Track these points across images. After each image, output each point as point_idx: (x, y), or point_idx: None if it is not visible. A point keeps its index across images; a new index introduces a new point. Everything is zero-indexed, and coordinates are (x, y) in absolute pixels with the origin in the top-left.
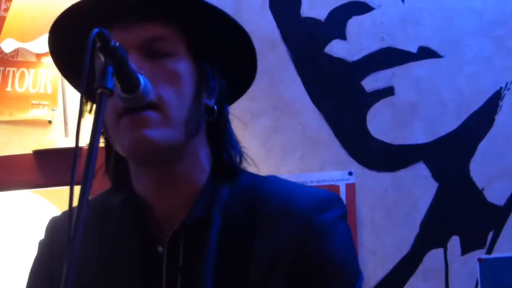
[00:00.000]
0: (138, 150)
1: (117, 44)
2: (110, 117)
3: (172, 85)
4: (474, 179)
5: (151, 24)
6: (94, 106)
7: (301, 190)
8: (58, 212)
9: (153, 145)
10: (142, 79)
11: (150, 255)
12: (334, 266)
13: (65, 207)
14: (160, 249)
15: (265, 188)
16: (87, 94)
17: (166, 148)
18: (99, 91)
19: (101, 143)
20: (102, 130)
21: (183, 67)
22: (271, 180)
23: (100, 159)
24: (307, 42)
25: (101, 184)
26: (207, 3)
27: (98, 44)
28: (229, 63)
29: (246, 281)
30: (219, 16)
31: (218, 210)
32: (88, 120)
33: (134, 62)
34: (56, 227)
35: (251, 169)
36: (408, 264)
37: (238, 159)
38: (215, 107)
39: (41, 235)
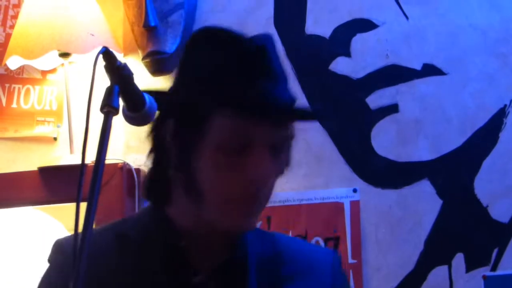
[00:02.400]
0: (239, 230)
1: (123, 63)
2: (221, 171)
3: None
4: (479, 196)
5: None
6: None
7: (315, 246)
8: (63, 229)
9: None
10: (147, 97)
11: (183, 285)
12: None
13: (71, 224)
14: (198, 278)
15: (281, 239)
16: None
17: None
18: (105, 109)
19: (107, 160)
20: (169, 161)
21: None
22: (280, 234)
23: (106, 176)
24: (311, 59)
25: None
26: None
27: (104, 63)
28: None
29: None
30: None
31: (250, 250)
32: (94, 138)
33: (266, 164)
34: (65, 249)
35: None
36: (412, 281)
37: None
38: None
39: (49, 255)
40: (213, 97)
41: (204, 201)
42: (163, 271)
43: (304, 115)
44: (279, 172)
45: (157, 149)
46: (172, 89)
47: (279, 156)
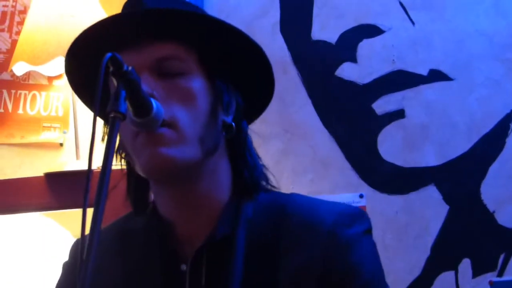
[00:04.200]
0: (155, 167)
1: (130, 68)
2: (127, 137)
3: (185, 103)
4: (485, 201)
5: (162, 44)
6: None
7: (325, 205)
8: (69, 235)
9: (170, 162)
10: (154, 103)
11: (174, 274)
12: (361, 279)
13: (77, 230)
14: (184, 267)
15: (289, 204)
16: (103, 117)
17: (183, 165)
18: (112, 115)
19: (114, 165)
20: (122, 153)
21: (196, 84)
22: (295, 196)
23: (112, 182)
24: (318, 65)
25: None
26: (217, 20)
27: (111, 69)
28: (245, 80)
29: None
30: (230, 33)
31: (242, 228)
32: (100, 143)
33: (146, 83)
34: (75, 251)
35: None
36: (419, 287)
37: (259, 175)
38: (233, 123)
39: (65, 257)
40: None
41: (133, 163)
42: (159, 263)
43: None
44: (181, 96)
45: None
46: None
47: (175, 80)
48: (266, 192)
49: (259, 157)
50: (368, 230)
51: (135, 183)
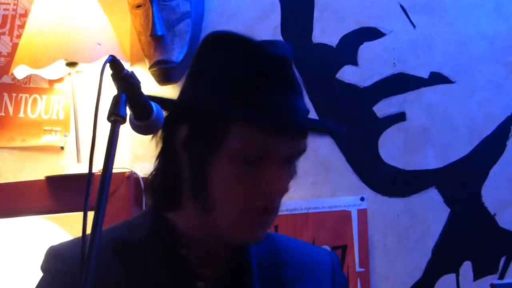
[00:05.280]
0: (242, 244)
1: (130, 71)
2: (238, 189)
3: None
4: (486, 204)
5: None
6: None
7: (312, 246)
8: (70, 238)
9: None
10: (154, 106)
11: None
12: None
13: (78, 233)
14: (200, 285)
15: (279, 240)
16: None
17: None
18: (112, 118)
19: (115, 169)
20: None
21: None
22: (279, 235)
23: (113, 185)
24: (318, 68)
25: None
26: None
27: (111, 72)
28: None
29: None
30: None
31: (253, 256)
32: (101, 147)
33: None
34: (62, 256)
35: None
36: None
37: None
38: None
39: (42, 263)
40: (231, 108)
41: (214, 211)
42: (166, 278)
43: (322, 130)
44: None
45: (166, 155)
46: (184, 95)
47: (291, 168)
48: None
49: None
50: None
51: (168, 189)
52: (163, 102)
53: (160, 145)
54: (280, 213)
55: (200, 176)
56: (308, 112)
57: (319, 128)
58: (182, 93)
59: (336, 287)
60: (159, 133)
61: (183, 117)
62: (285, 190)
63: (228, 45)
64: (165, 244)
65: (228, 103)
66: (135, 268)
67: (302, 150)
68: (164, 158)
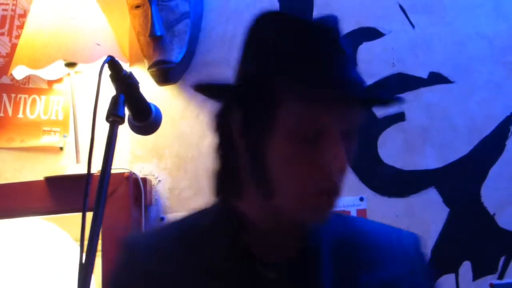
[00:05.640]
0: (307, 226)
1: (129, 72)
2: (301, 172)
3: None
4: (486, 204)
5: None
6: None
7: (391, 227)
8: (69, 239)
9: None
10: (153, 107)
11: (258, 280)
12: None
13: (77, 234)
14: (272, 275)
15: (357, 223)
16: None
17: None
18: (110, 119)
19: (113, 169)
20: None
21: None
22: (355, 217)
23: (112, 186)
24: None
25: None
26: None
27: (110, 73)
28: None
29: None
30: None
31: (326, 241)
32: (100, 147)
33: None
34: (138, 248)
35: None
36: None
37: None
38: None
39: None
40: (286, 81)
41: (277, 196)
42: (230, 265)
43: (379, 99)
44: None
45: (224, 144)
46: (237, 81)
47: (350, 144)
48: None
49: None
50: None
51: (232, 177)
52: (212, 89)
53: (217, 138)
54: None
55: (258, 160)
56: (363, 82)
57: (373, 97)
58: (236, 79)
59: (415, 271)
60: (214, 127)
61: (238, 101)
62: (346, 167)
63: (277, 22)
64: (230, 231)
65: (282, 77)
66: (199, 254)
67: (358, 123)
68: (224, 150)
